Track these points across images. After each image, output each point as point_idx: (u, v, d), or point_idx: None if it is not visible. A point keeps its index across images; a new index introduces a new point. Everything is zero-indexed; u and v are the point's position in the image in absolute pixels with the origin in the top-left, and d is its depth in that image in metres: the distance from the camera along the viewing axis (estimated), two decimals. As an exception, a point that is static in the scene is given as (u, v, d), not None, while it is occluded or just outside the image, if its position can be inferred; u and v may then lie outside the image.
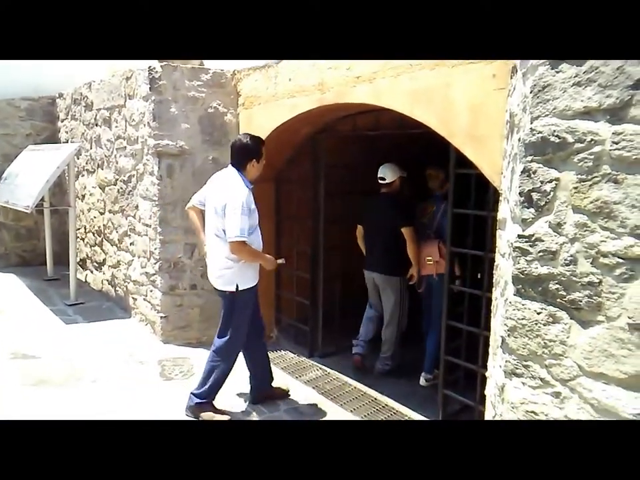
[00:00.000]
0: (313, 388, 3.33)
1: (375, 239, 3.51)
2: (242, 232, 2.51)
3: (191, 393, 2.82)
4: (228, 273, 2.68)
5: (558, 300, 1.41)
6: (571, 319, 1.39)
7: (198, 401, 2.78)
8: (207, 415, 2.76)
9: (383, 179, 3.44)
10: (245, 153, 2.70)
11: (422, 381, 3.38)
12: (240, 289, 2.70)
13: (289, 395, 3.16)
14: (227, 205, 2.56)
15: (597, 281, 1.33)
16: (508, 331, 1.53)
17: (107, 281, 4.79)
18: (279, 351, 3.90)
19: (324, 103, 2.94)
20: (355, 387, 3.37)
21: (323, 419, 2.95)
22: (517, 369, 1.52)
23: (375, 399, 3.22)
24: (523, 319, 1.49)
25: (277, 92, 3.31)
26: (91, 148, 4.86)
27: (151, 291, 3.91)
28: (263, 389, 3.05)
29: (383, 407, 3.11)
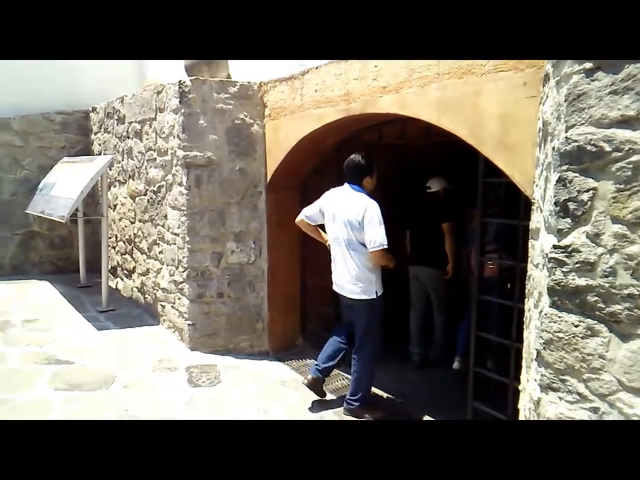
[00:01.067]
0: (338, 398, 3.31)
1: (420, 237, 3.88)
2: (383, 240, 2.77)
3: (347, 399, 3.07)
4: (367, 281, 2.90)
5: (596, 312, 1.37)
6: (610, 332, 1.35)
7: (357, 404, 3.03)
8: (370, 414, 3.03)
9: (429, 187, 3.84)
10: (360, 171, 2.99)
11: (455, 365, 3.68)
12: (378, 295, 2.95)
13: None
14: (365, 218, 2.81)
15: (637, 293, 1.29)
16: (544, 343, 1.49)
17: (137, 288, 4.91)
18: (304, 360, 3.91)
19: (350, 113, 2.96)
20: (381, 397, 3.33)
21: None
22: (553, 383, 1.48)
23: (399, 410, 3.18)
24: (559, 331, 1.45)
25: (303, 103, 3.35)
26: (123, 159, 5.01)
27: (179, 299, 3.98)
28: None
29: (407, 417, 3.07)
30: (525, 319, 1.92)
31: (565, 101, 1.40)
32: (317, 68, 3.21)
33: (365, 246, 2.84)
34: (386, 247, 2.78)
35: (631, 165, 1.28)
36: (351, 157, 3.03)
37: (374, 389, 3.43)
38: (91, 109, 5.90)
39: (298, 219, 3.22)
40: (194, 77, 3.74)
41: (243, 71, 4.07)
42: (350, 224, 2.87)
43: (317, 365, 3.18)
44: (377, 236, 2.75)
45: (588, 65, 1.36)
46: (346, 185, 3.02)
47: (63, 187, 4.82)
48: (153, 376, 3.42)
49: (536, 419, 1.58)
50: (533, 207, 1.87)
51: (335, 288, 3.10)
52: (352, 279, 2.93)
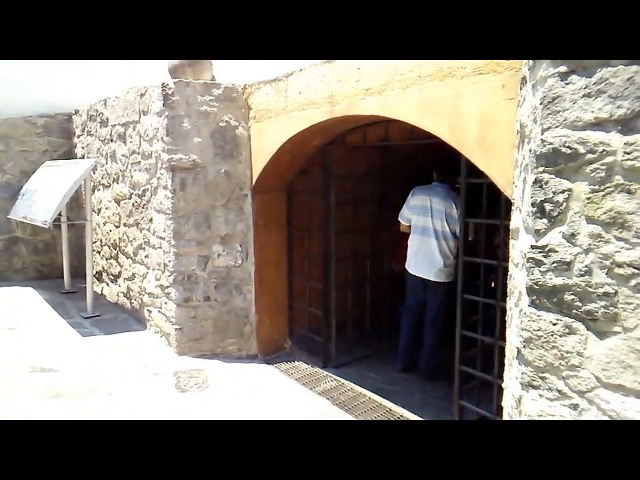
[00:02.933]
0: (327, 399, 3.32)
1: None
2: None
3: (424, 366, 3.60)
4: (450, 266, 3.45)
5: (574, 311, 1.40)
6: (587, 329, 1.38)
7: (431, 369, 3.57)
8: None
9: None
10: (451, 173, 3.39)
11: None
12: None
13: None
14: (452, 211, 3.39)
15: (613, 291, 1.32)
16: (524, 342, 1.52)
17: (123, 293, 4.86)
18: (292, 362, 3.91)
19: (334, 115, 2.97)
20: (370, 398, 3.35)
21: (338, 430, 2.94)
22: (533, 380, 1.51)
23: (390, 409, 3.20)
24: (538, 330, 1.48)
25: (288, 105, 3.36)
26: (107, 163, 4.96)
27: (166, 303, 3.96)
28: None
29: (399, 417, 3.10)
30: (506, 317, 1.95)
31: (541, 104, 1.43)
32: (300, 70, 3.22)
33: (455, 236, 3.38)
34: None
35: (605, 167, 1.31)
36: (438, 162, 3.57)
37: (363, 390, 3.46)
38: (73, 112, 5.83)
39: (403, 227, 3.75)
40: (177, 79, 3.71)
41: (227, 73, 4.06)
42: (440, 216, 3.42)
43: (400, 354, 3.73)
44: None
45: (562, 68, 1.39)
46: (435, 183, 3.55)
47: (46, 191, 4.75)
48: (140, 382, 3.39)
49: (518, 416, 1.61)
50: (512, 208, 1.90)
51: (412, 272, 3.59)
52: (439, 265, 3.44)
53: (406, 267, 3.64)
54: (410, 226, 3.64)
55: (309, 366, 3.84)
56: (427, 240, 3.48)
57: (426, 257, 3.49)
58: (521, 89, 1.81)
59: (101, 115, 5.02)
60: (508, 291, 1.92)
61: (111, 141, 4.80)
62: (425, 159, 4.18)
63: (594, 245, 1.34)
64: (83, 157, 5.56)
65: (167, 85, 3.68)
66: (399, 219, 3.73)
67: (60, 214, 4.93)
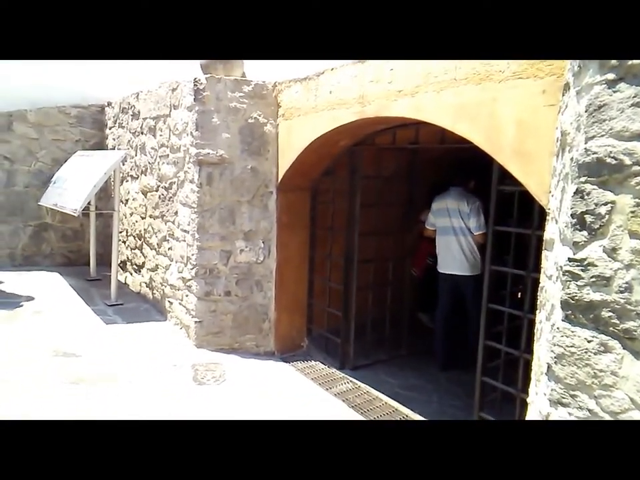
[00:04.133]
0: (342, 401, 3.30)
1: None
2: (484, 226, 3.51)
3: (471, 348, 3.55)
4: (473, 260, 3.72)
5: (610, 328, 1.34)
6: (623, 348, 1.32)
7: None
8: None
9: None
10: (465, 177, 3.86)
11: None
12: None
13: None
14: (472, 210, 3.68)
15: (654, 310, 1.26)
16: (555, 358, 1.47)
17: (145, 283, 4.94)
18: (309, 361, 3.90)
19: (364, 116, 2.94)
20: (386, 403, 3.32)
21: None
22: (563, 398, 1.46)
23: (407, 416, 3.16)
24: (572, 346, 1.42)
25: (317, 104, 3.34)
26: (136, 155, 5.05)
27: (187, 296, 4.00)
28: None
29: (415, 425, 3.05)
30: (535, 330, 1.89)
31: (586, 112, 1.37)
32: (332, 69, 3.20)
33: (471, 231, 3.68)
34: (485, 231, 3.39)
35: (652, 179, 1.25)
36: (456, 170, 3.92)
37: (379, 394, 3.42)
38: (106, 104, 5.95)
39: (428, 232, 4.03)
40: (209, 75, 3.74)
41: (258, 70, 4.07)
42: (460, 214, 3.70)
43: (438, 356, 3.88)
44: (482, 222, 3.58)
45: (610, 75, 1.33)
46: (451, 188, 3.83)
47: (76, 180, 4.86)
48: (159, 372, 3.43)
49: (544, 433, 1.56)
50: (547, 218, 1.84)
51: (441, 270, 3.86)
52: (465, 259, 3.72)
53: (437, 268, 3.93)
54: (435, 230, 3.94)
55: (326, 366, 3.83)
56: (449, 238, 3.78)
57: (449, 253, 3.78)
58: (563, 95, 1.74)
59: (132, 108, 5.11)
60: (538, 303, 1.86)
61: (141, 133, 4.88)
62: (448, 164, 4.12)
63: (636, 260, 1.28)
64: (113, 148, 5.67)
65: (199, 80, 3.71)
66: (425, 225, 4.03)
67: (89, 203, 5.05)
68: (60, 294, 4.89)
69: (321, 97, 3.31)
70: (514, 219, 2.50)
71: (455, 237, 3.75)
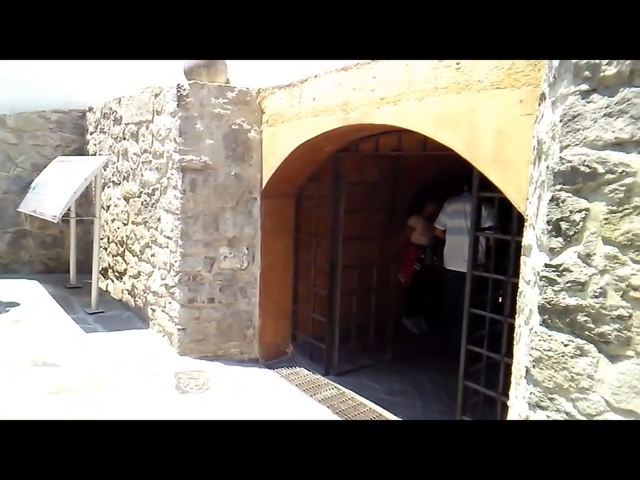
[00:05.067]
0: (327, 407, 3.29)
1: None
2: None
3: None
4: (482, 259, 3.68)
5: (586, 332, 1.38)
6: (599, 352, 1.36)
7: None
8: None
9: None
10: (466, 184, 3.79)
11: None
12: None
13: None
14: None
15: (627, 314, 1.30)
16: (533, 361, 1.50)
17: (127, 290, 4.87)
18: (293, 368, 3.89)
19: (348, 122, 2.97)
20: (371, 408, 3.32)
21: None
22: (541, 401, 1.48)
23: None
24: (549, 350, 1.45)
25: (301, 111, 3.36)
26: (118, 160, 4.99)
27: (170, 303, 3.95)
28: None
29: (399, 430, 3.06)
30: (515, 334, 1.92)
31: (560, 121, 1.41)
32: (315, 76, 3.22)
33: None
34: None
35: (624, 188, 1.29)
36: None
37: (364, 400, 3.43)
38: (87, 109, 5.87)
39: (439, 232, 4.35)
40: (192, 81, 3.73)
41: (242, 76, 4.08)
42: (466, 216, 3.71)
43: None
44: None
45: (584, 86, 1.37)
46: (465, 193, 3.96)
47: (56, 186, 4.78)
48: (141, 381, 3.38)
49: (524, 436, 1.58)
50: (525, 224, 1.88)
51: (451, 267, 4.10)
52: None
53: (444, 265, 4.20)
54: (444, 230, 4.27)
55: (310, 372, 3.82)
56: (462, 238, 3.87)
57: (460, 252, 3.87)
58: (539, 105, 1.79)
59: (114, 113, 5.06)
60: (517, 308, 1.90)
61: (124, 139, 4.83)
62: (438, 170, 4.19)
63: (610, 266, 1.32)
64: (94, 154, 5.60)
65: (182, 86, 3.70)
66: (435, 225, 4.35)
67: (69, 209, 4.96)
68: (39, 302, 4.78)
69: (304, 103, 3.33)
70: (495, 225, 2.55)
71: (468, 237, 3.88)
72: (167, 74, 4.20)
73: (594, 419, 1.38)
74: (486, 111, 2.15)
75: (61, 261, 5.89)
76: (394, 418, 3.19)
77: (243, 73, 4.06)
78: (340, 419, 3.15)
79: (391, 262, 4.16)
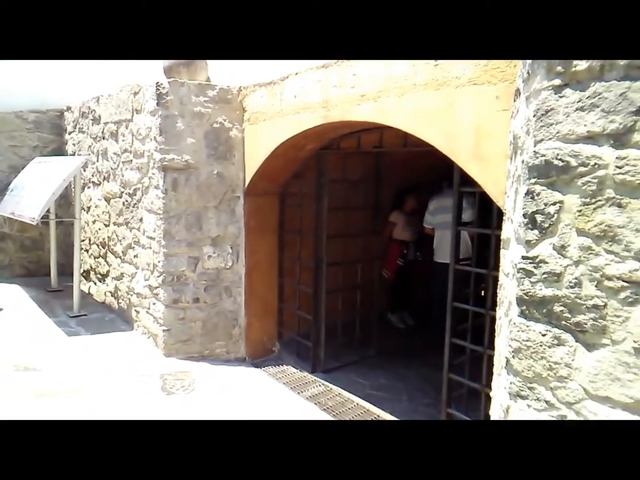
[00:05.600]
0: (315, 404, 3.30)
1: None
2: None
3: None
4: (466, 252, 3.64)
5: (563, 322, 1.41)
6: (576, 341, 1.39)
7: None
8: None
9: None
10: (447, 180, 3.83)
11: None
12: None
13: None
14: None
15: (602, 304, 1.33)
16: (513, 352, 1.53)
17: (110, 292, 4.80)
18: (280, 366, 3.89)
19: (329, 120, 2.98)
20: (358, 404, 3.34)
21: (325, 436, 2.92)
22: (521, 390, 1.51)
23: (378, 416, 3.19)
24: (527, 340, 1.48)
25: (282, 108, 3.35)
26: (98, 161, 4.91)
27: (154, 304, 3.92)
28: None
29: (386, 424, 3.09)
30: (496, 326, 1.95)
31: (534, 116, 1.44)
32: (296, 74, 3.22)
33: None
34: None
35: (596, 180, 1.32)
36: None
37: (351, 396, 3.45)
38: (65, 108, 5.76)
39: (428, 230, 4.45)
40: (172, 79, 3.69)
41: (222, 74, 4.05)
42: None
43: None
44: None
45: (556, 81, 1.40)
46: (447, 190, 4.01)
47: (35, 187, 4.68)
48: (125, 383, 3.34)
49: (505, 426, 1.61)
50: (504, 218, 1.91)
51: (438, 260, 4.22)
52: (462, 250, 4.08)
53: (434, 258, 4.32)
54: (432, 228, 4.36)
55: (297, 370, 3.83)
56: (448, 232, 3.98)
57: (447, 245, 3.99)
58: (514, 100, 1.82)
59: (93, 112, 4.97)
60: (498, 300, 1.93)
61: (103, 138, 4.76)
62: (421, 166, 4.22)
63: (584, 257, 1.35)
64: (73, 154, 5.50)
65: (161, 84, 3.66)
66: (424, 224, 4.47)
67: (48, 211, 4.88)
68: (20, 306, 4.69)
69: (285, 101, 3.32)
70: (475, 219, 2.58)
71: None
72: (145, 72, 4.15)
73: (573, 406, 1.41)
74: (464, 107, 2.18)
75: (42, 263, 5.79)
76: (381, 413, 3.21)
77: (223, 71, 4.04)
78: (328, 415, 3.16)
79: (375, 258, 4.19)
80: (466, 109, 2.16)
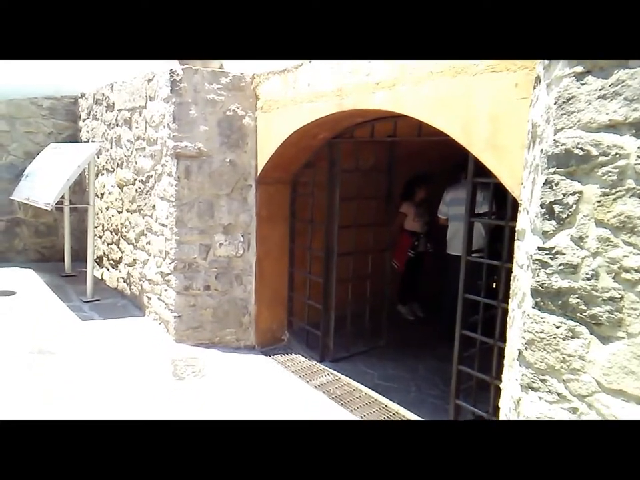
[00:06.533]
0: (323, 393, 3.33)
1: None
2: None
3: None
4: (482, 245, 3.58)
5: (578, 314, 1.39)
6: (590, 334, 1.37)
7: None
8: None
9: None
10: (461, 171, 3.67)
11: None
12: None
13: None
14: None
15: (619, 296, 1.31)
16: (525, 344, 1.51)
17: (123, 279, 4.86)
18: (289, 354, 3.91)
19: (342, 108, 2.95)
20: (366, 393, 3.36)
21: (333, 424, 2.94)
22: (533, 382, 1.50)
23: (386, 406, 3.20)
24: (541, 332, 1.47)
25: (296, 96, 3.33)
26: (111, 148, 4.94)
27: (166, 290, 3.95)
28: None
29: (394, 414, 3.10)
30: (508, 318, 1.94)
31: (555, 104, 1.41)
32: (310, 62, 3.19)
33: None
34: None
35: (617, 170, 1.29)
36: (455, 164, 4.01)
37: (359, 386, 3.46)
38: (79, 95, 5.80)
39: (442, 220, 4.39)
40: (185, 66, 3.69)
41: (236, 62, 4.03)
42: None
43: (444, 327, 3.97)
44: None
45: (579, 68, 1.36)
46: (463, 181, 3.77)
47: (49, 173, 4.74)
48: (138, 368, 3.39)
49: (515, 417, 1.60)
50: (519, 209, 1.88)
51: (452, 252, 4.13)
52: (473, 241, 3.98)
53: (447, 251, 4.24)
54: (446, 218, 4.31)
55: (306, 359, 3.85)
56: (462, 225, 3.89)
57: (461, 238, 3.94)
58: (534, 88, 1.78)
59: (107, 99, 5.00)
60: (511, 292, 1.91)
61: (117, 125, 4.78)
62: (435, 156, 4.18)
63: (602, 248, 1.33)
64: (87, 141, 5.54)
65: (175, 71, 3.65)
66: (438, 215, 4.40)
67: (63, 197, 4.93)
68: (34, 291, 4.77)
69: (299, 89, 3.30)
70: (489, 210, 2.55)
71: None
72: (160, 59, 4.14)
73: (585, 399, 1.40)
74: (481, 95, 2.14)
75: (56, 249, 5.87)
76: (389, 403, 3.22)
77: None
78: (335, 404, 3.18)
79: (387, 249, 4.17)
80: (483, 97, 2.13)
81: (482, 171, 2.33)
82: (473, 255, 2.74)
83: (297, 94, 3.32)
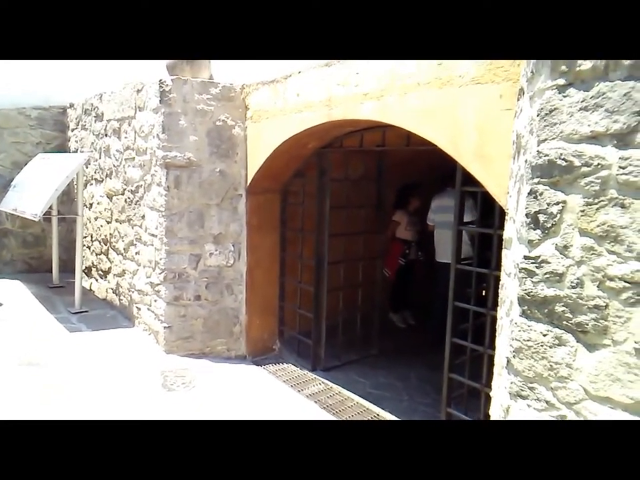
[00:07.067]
0: (315, 402, 3.31)
1: None
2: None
3: None
4: (467, 252, 3.56)
5: (564, 322, 1.41)
6: (577, 341, 1.39)
7: None
8: None
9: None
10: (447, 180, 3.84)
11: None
12: None
13: None
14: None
15: (604, 304, 1.33)
16: (513, 352, 1.52)
17: (112, 289, 4.81)
18: (281, 364, 3.89)
19: (331, 118, 2.97)
20: (357, 402, 3.35)
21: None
22: (522, 390, 1.51)
23: (378, 415, 3.20)
24: (528, 340, 1.48)
25: (285, 107, 3.35)
26: (100, 158, 4.92)
27: (155, 301, 3.92)
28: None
29: (386, 423, 3.09)
30: (497, 326, 1.95)
31: (538, 116, 1.44)
32: (299, 72, 3.22)
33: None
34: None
35: (599, 180, 1.32)
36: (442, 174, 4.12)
37: (351, 395, 3.45)
38: (68, 105, 5.77)
39: (430, 227, 4.44)
40: (175, 77, 3.69)
41: (225, 72, 4.05)
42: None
43: (434, 333, 3.99)
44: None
45: (561, 81, 1.40)
46: (448, 189, 3.97)
47: (37, 184, 4.69)
48: (127, 380, 3.35)
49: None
50: (506, 218, 1.91)
51: (440, 259, 4.17)
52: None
53: (436, 258, 4.28)
54: (434, 225, 4.38)
55: (298, 368, 3.83)
56: (446, 232, 3.93)
57: (448, 244, 3.93)
58: (518, 99, 1.82)
59: (96, 109, 4.98)
60: (499, 300, 1.93)
61: (106, 135, 4.76)
62: (422, 165, 4.22)
63: (586, 257, 1.35)
64: (76, 151, 5.51)
65: (164, 81, 3.66)
66: (427, 222, 4.47)
67: (51, 207, 4.88)
68: (22, 302, 4.70)
69: (288, 99, 3.32)
70: (476, 219, 2.58)
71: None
72: (148, 69, 4.15)
73: (573, 407, 1.41)
74: (467, 106, 2.17)
75: (43, 260, 5.80)
76: (381, 412, 3.22)
77: (226, 69, 4.03)
78: (327, 413, 3.17)
79: (377, 257, 4.19)
80: (469, 108, 2.16)
81: (469, 179, 2.37)
82: (462, 262, 2.76)
83: (286, 104, 3.34)
